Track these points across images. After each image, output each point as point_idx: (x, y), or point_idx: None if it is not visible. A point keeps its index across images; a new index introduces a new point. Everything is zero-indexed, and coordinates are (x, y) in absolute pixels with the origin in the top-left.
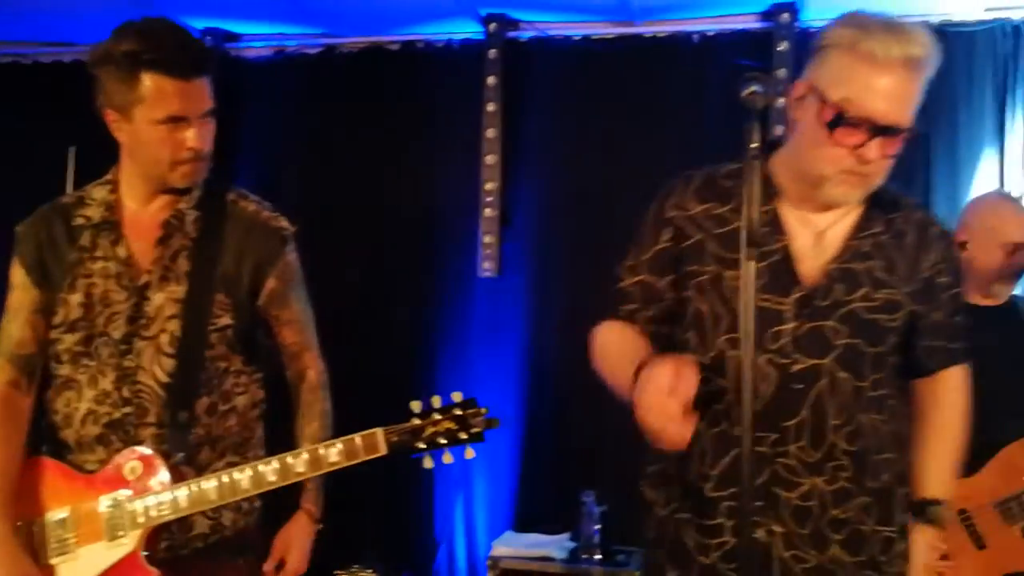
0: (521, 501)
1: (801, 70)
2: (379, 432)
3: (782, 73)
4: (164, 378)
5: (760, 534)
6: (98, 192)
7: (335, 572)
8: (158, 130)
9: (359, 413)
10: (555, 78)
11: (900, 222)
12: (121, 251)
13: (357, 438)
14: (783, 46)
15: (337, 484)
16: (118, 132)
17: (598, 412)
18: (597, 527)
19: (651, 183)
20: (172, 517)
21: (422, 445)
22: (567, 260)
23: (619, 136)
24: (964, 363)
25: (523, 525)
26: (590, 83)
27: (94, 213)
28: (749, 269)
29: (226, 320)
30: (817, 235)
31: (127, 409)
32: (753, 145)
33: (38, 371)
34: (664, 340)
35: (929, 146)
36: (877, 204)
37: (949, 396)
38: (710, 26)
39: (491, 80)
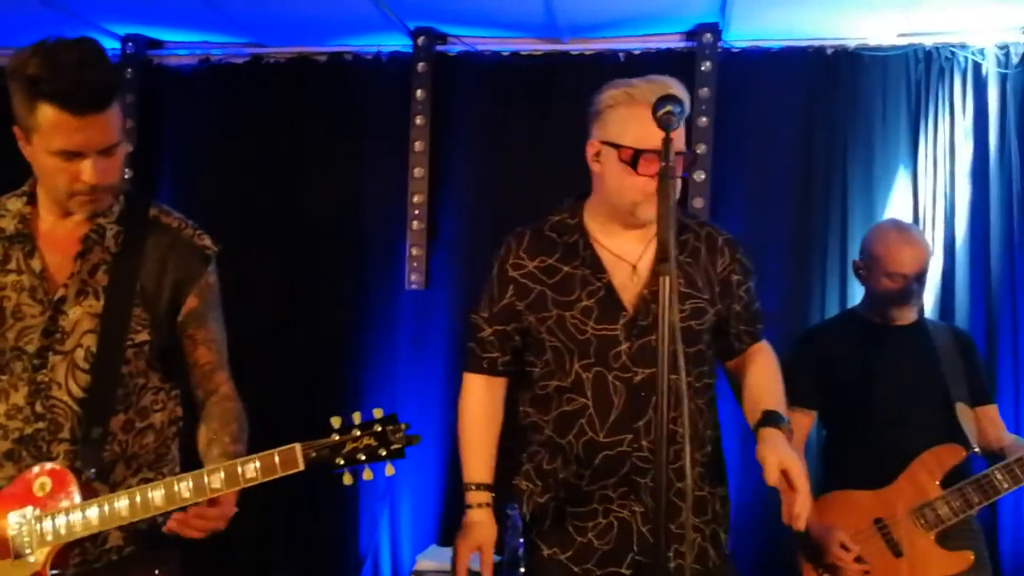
0: (446, 515)
1: (725, 89)
2: (297, 447)
3: (705, 92)
4: (79, 393)
5: (625, 514)
6: (13, 204)
7: None
8: (53, 159)
9: (282, 429)
10: (483, 93)
11: (692, 241)
12: (36, 264)
13: (275, 454)
14: (706, 66)
15: (259, 498)
16: (23, 148)
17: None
18: (521, 540)
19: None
20: (83, 535)
21: (341, 461)
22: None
23: (546, 151)
24: (764, 340)
25: (448, 539)
26: (518, 98)
27: (7, 225)
28: (665, 284)
29: (144, 336)
30: (631, 268)
31: (39, 424)
32: (663, 164)
33: None
34: (516, 374)
35: (846, 166)
36: None
37: (761, 354)
38: (636, 45)
39: (419, 93)
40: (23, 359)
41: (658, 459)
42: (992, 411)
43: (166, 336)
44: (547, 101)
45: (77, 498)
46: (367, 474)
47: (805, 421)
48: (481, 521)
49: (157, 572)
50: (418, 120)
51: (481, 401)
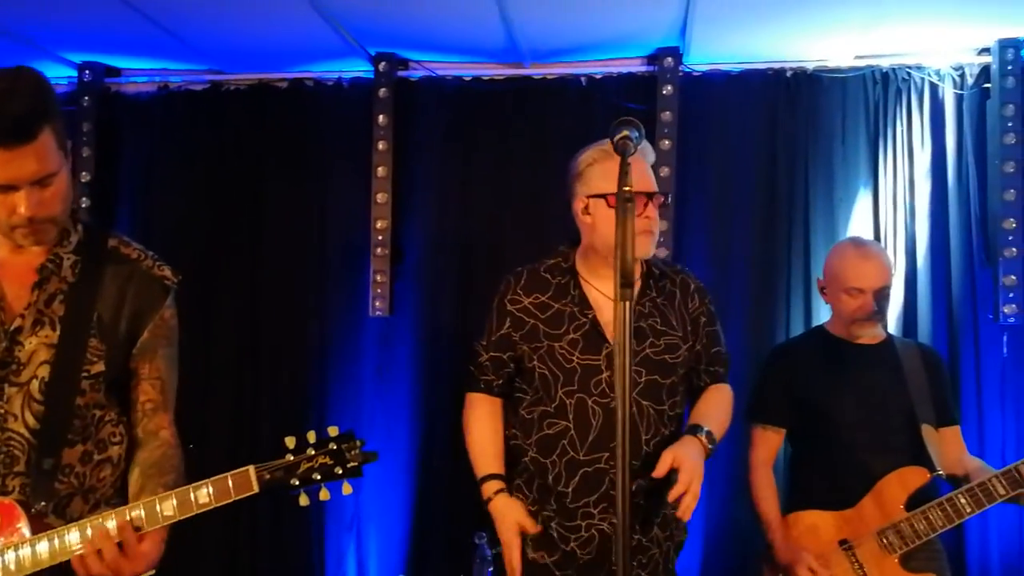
0: (413, 544)
1: (686, 113)
2: (251, 470)
3: (667, 116)
4: (34, 424)
5: (605, 527)
6: None
7: None
8: None
9: (243, 457)
10: (446, 117)
11: (668, 286)
12: None
13: (228, 477)
14: (668, 89)
15: (224, 533)
16: None
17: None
18: (490, 569)
19: (540, 222)
20: (32, 570)
21: (296, 482)
22: (459, 300)
23: (509, 176)
24: (723, 382)
25: (415, 568)
26: (480, 123)
27: None
28: (623, 309)
29: (99, 367)
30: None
31: None
32: (625, 188)
33: None
34: (508, 396)
35: (808, 186)
36: (651, 277)
37: (714, 388)
38: (597, 69)
39: (381, 119)
40: None
41: (620, 464)
42: (956, 432)
43: (121, 368)
44: (509, 125)
45: (26, 532)
46: (324, 494)
47: (775, 439)
48: (507, 504)
49: None
50: (380, 145)
51: (483, 411)
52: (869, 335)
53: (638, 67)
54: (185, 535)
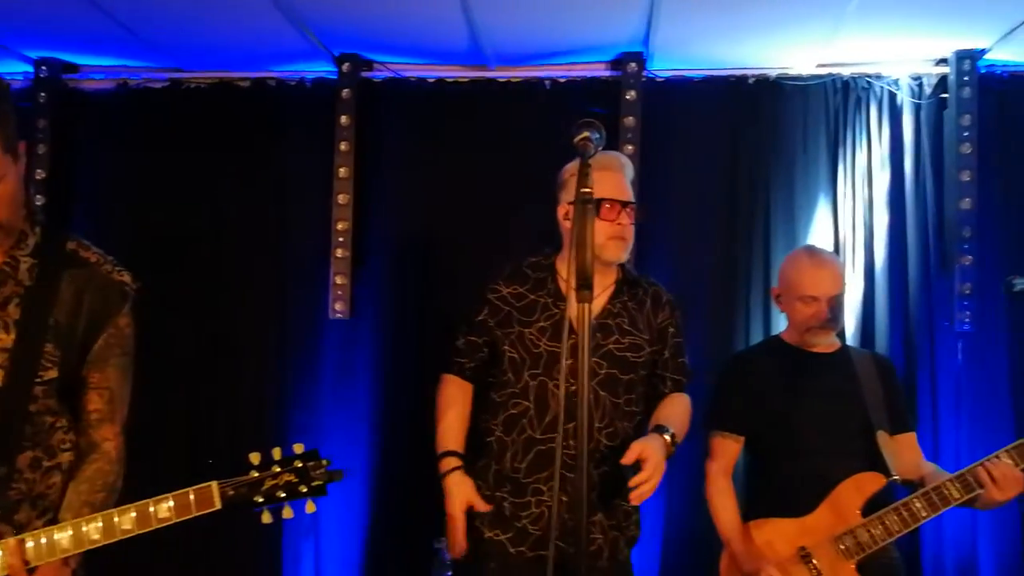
0: (372, 549)
1: (649, 118)
2: (214, 486)
3: (630, 121)
4: None
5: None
6: None
7: None
8: None
9: (200, 464)
10: (409, 119)
11: (640, 293)
12: None
13: (190, 492)
14: (631, 95)
15: (176, 527)
16: None
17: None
18: (449, 574)
19: (503, 225)
20: None
21: (260, 499)
22: (419, 302)
23: (472, 178)
24: (683, 391)
25: (374, 573)
26: (444, 125)
27: None
28: (584, 311)
29: (53, 373)
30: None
31: None
32: (584, 190)
33: None
34: (481, 379)
35: (769, 193)
36: (624, 282)
37: (674, 395)
38: (562, 73)
39: (344, 119)
40: None
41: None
42: (911, 439)
43: (74, 374)
44: (473, 128)
45: None
46: (287, 512)
47: (734, 447)
48: (459, 482)
49: None
50: (343, 146)
51: (453, 391)
52: (824, 343)
53: (602, 72)
54: (138, 537)
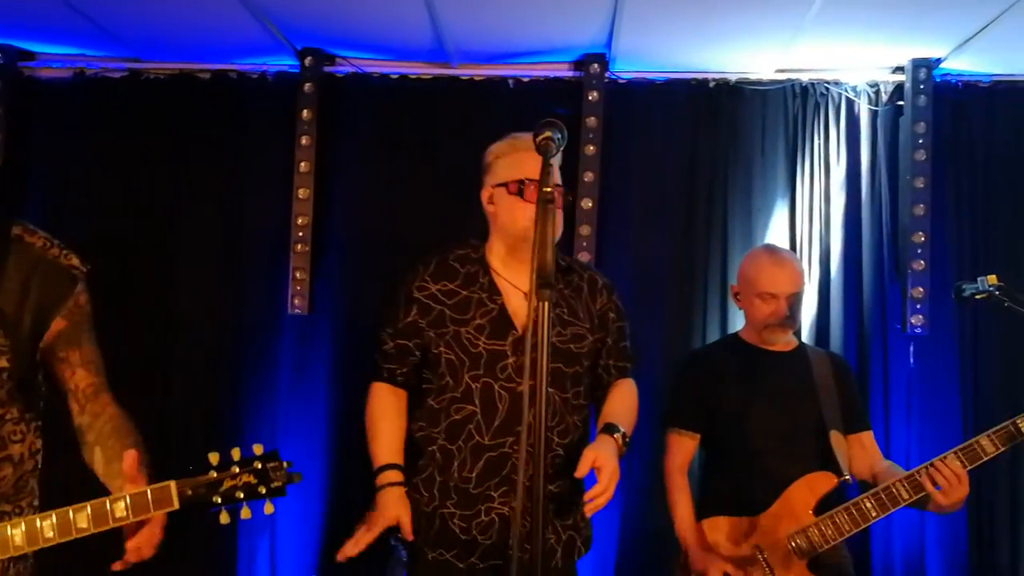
0: (327, 544)
1: (611, 119)
2: (172, 485)
3: (593, 122)
4: None
5: (505, 511)
6: None
7: None
8: None
9: (155, 461)
10: (371, 115)
11: (576, 280)
12: None
13: (148, 491)
14: (594, 95)
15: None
16: None
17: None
18: (404, 571)
19: (464, 222)
20: None
21: (218, 500)
22: (379, 298)
23: (433, 175)
24: (630, 378)
25: (329, 570)
26: (406, 121)
27: None
28: (543, 309)
29: (3, 363)
30: (524, 295)
31: None
32: (546, 189)
33: None
34: (414, 388)
35: (727, 194)
36: (559, 269)
37: (621, 384)
38: (525, 72)
39: (306, 114)
40: None
41: (536, 454)
42: (866, 438)
43: (27, 364)
44: (435, 125)
45: None
46: (245, 512)
47: (690, 444)
48: (395, 500)
49: None
50: (304, 140)
51: (386, 401)
52: (781, 342)
53: (565, 72)
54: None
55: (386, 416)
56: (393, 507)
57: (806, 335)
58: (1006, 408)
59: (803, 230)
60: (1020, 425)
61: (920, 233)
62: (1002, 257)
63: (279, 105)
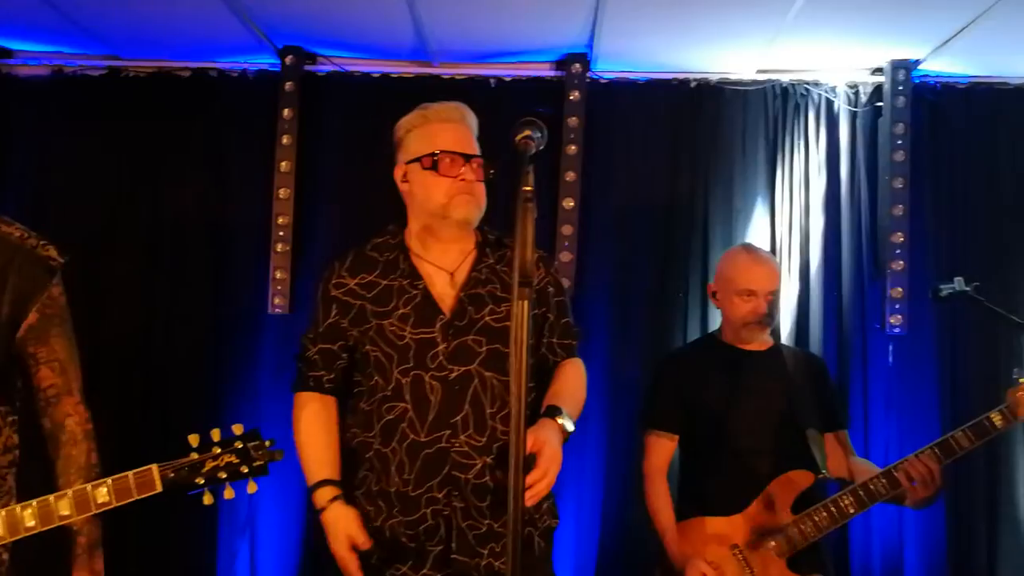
0: (308, 546)
1: (593, 119)
2: (154, 468)
3: (574, 121)
4: None
5: (448, 512)
6: None
7: None
8: None
9: (136, 461)
10: (352, 114)
11: (508, 254)
12: None
13: (130, 475)
14: (575, 95)
15: (108, 526)
16: None
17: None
18: None
19: None
20: None
21: (201, 480)
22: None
23: None
24: (577, 357)
25: (311, 572)
26: (387, 121)
27: None
28: (523, 308)
29: None
30: (450, 276)
31: None
32: (526, 188)
33: None
34: (345, 393)
35: (708, 196)
36: (487, 244)
37: (568, 364)
38: (506, 72)
39: (286, 113)
40: None
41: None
42: (842, 436)
43: (3, 356)
44: None
45: None
46: (228, 492)
47: (669, 445)
48: (339, 515)
49: None
50: (284, 140)
51: (313, 411)
52: (758, 341)
53: (547, 72)
54: (71, 535)
55: (314, 428)
56: (339, 526)
57: (786, 334)
58: (983, 406)
59: (783, 230)
60: (994, 420)
61: (899, 233)
62: (980, 257)
63: (260, 104)
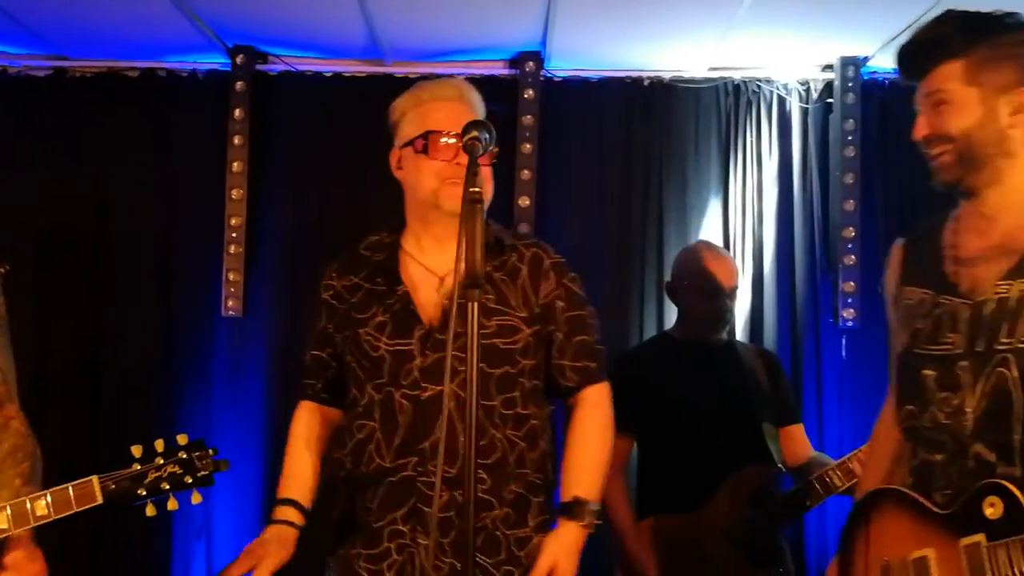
0: None
1: (547, 117)
2: (94, 480)
3: (529, 120)
4: None
5: (415, 549)
6: None
7: None
8: None
9: (82, 468)
10: (305, 113)
11: (514, 260)
12: None
13: (69, 488)
14: (529, 93)
15: (60, 533)
16: None
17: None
18: None
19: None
20: None
21: (143, 492)
22: (314, 299)
23: (368, 174)
24: (598, 382)
25: None
26: (340, 120)
27: None
28: (473, 309)
29: None
30: (439, 281)
31: None
32: (473, 190)
33: None
34: (338, 401)
35: (662, 193)
36: (487, 249)
37: (587, 410)
38: (460, 70)
39: (238, 112)
40: None
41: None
42: (797, 430)
43: None
44: (369, 123)
45: None
46: (172, 504)
47: (625, 446)
48: (267, 538)
49: None
50: (236, 140)
51: (304, 424)
52: (714, 337)
53: (501, 70)
54: None
55: (296, 443)
56: (259, 547)
57: (740, 329)
58: None
59: (736, 225)
60: None
61: (850, 228)
62: None
63: (210, 104)
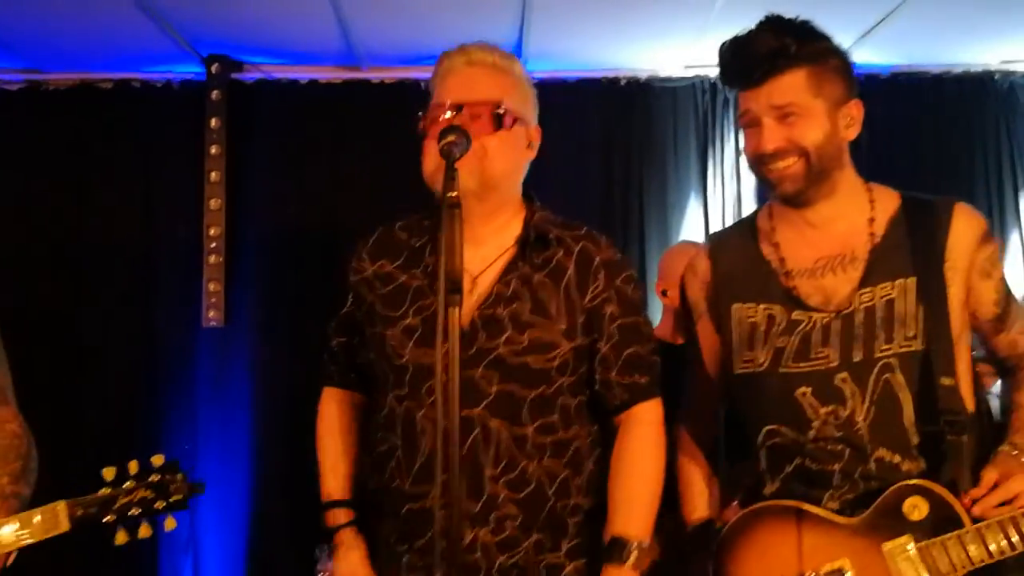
0: (253, 560)
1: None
2: (61, 505)
3: None
4: None
5: None
6: None
7: None
8: None
9: (63, 485)
10: (281, 121)
11: (560, 256)
12: None
13: (35, 515)
14: None
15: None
16: None
17: None
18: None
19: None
20: None
21: (112, 518)
22: (296, 308)
23: (347, 180)
24: (650, 399)
25: None
26: (317, 126)
27: None
28: (453, 316)
29: None
30: (472, 281)
31: None
32: (451, 194)
33: None
34: (364, 387)
35: (642, 192)
36: (527, 242)
37: (636, 430)
38: None
39: (214, 122)
40: None
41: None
42: None
43: None
44: (346, 129)
45: None
46: (144, 530)
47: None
48: (346, 552)
49: None
50: (213, 149)
51: (332, 411)
52: None
53: None
54: None
55: (331, 433)
56: (343, 566)
57: None
58: None
59: (716, 223)
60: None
61: None
62: None
63: (187, 114)
